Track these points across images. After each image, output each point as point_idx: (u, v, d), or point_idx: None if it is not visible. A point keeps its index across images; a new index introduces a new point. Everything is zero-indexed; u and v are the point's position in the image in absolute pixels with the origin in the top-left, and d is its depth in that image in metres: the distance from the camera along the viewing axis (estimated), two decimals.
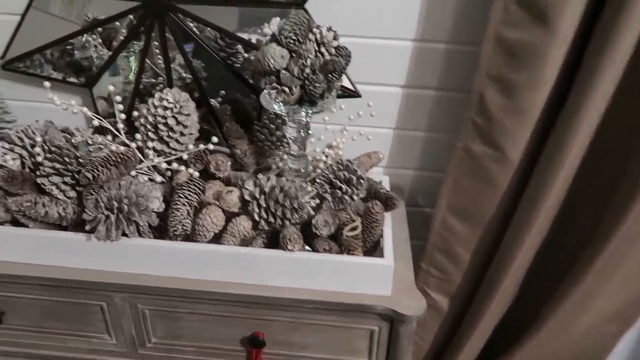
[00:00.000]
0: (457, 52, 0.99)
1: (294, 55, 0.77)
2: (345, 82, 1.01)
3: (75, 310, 0.91)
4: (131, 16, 1.02)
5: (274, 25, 0.78)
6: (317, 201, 0.87)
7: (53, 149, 0.88)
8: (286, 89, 0.78)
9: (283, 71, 0.77)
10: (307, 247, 0.89)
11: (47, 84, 0.89)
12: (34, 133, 0.93)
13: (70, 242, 0.85)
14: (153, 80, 1.12)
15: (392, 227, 0.92)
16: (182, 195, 0.85)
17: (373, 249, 0.91)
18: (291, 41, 0.76)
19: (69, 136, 0.96)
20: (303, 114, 0.83)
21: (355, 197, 0.89)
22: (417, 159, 1.14)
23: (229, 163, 0.95)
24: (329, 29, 0.78)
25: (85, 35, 1.07)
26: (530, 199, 0.93)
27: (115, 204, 0.81)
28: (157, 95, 0.89)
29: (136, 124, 0.94)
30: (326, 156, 0.98)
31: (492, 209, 0.98)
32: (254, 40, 0.99)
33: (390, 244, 0.87)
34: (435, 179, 1.13)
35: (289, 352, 0.91)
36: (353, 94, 1.02)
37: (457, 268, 1.07)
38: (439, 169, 1.12)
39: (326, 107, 0.83)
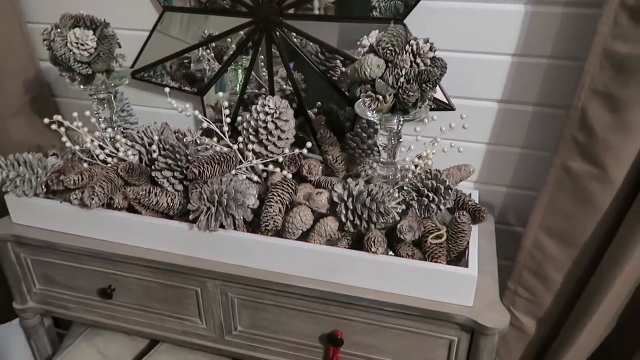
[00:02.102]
0: (559, 67, 0.97)
1: (389, 65, 0.80)
2: (440, 95, 1.02)
3: (175, 293, 1.00)
4: (242, 32, 1.12)
5: (372, 37, 0.82)
6: (403, 207, 0.89)
7: (167, 147, 0.99)
8: (380, 97, 0.81)
9: (378, 80, 0.80)
10: (390, 253, 0.91)
11: (167, 89, 1.01)
12: (152, 133, 1.05)
13: (175, 230, 0.94)
14: (257, 91, 1.21)
15: (478, 241, 0.91)
16: (275, 194, 0.91)
17: (457, 259, 0.91)
18: (388, 52, 0.79)
19: (180, 136, 1.06)
20: (395, 121, 0.86)
21: (442, 207, 0.89)
22: (511, 175, 1.11)
23: (321, 168, 1.00)
24: (426, 41, 0.80)
25: (200, 49, 1.19)
26: (632, 223, 0.87)
27: (216, 197, 0.89)
28: (260, 101, 0.96)
29: (239, 128, 1.02)
30: (415, 166, 1.00)
31: (589, 230, 0.93)
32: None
33: (475, 255, 0.86)
34: (529, 197, 1.10)
35: (367, 354, 0.92)
36: (447, 107, 1.03)
37: (547, 290, 1.03)
38: (533, 188, 1.08)
39: (418, 117, 0.85)
